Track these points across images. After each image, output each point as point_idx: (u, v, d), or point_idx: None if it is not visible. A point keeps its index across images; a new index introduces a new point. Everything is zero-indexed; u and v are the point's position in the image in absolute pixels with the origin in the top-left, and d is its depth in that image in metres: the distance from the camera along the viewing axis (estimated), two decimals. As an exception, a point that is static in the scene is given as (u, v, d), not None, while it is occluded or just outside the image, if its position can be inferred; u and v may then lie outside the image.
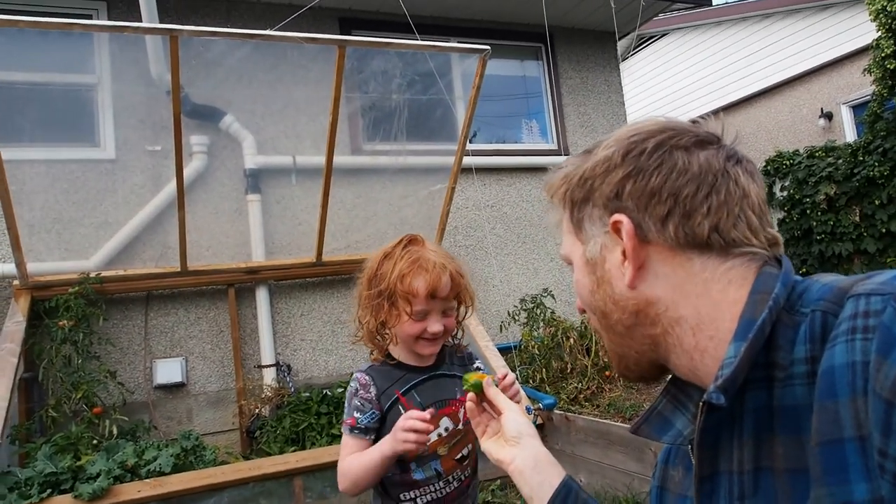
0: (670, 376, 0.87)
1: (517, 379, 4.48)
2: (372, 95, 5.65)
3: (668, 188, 0.75)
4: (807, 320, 0.69)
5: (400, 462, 1.60)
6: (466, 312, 1.74)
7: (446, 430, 1.65)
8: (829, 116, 10.14)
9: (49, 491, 3.18)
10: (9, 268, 4.28)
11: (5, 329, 4.06)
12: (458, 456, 1.68)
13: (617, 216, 0.78)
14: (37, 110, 4.73)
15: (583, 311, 0.91)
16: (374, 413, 1.62)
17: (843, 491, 0.60)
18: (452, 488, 1.67)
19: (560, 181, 0.87)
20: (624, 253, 0.78)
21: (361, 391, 1.63)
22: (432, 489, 1.64)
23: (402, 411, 1.61)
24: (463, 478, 1.69)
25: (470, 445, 1.71)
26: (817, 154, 7.29)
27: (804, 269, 6.99)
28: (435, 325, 1.60)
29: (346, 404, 1.66)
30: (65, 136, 4.88)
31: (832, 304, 0.68)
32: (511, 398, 1.43)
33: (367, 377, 1.65)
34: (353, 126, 5.64)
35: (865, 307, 0.63)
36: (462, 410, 1.67)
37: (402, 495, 1.64)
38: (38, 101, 4.75)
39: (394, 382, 1.65)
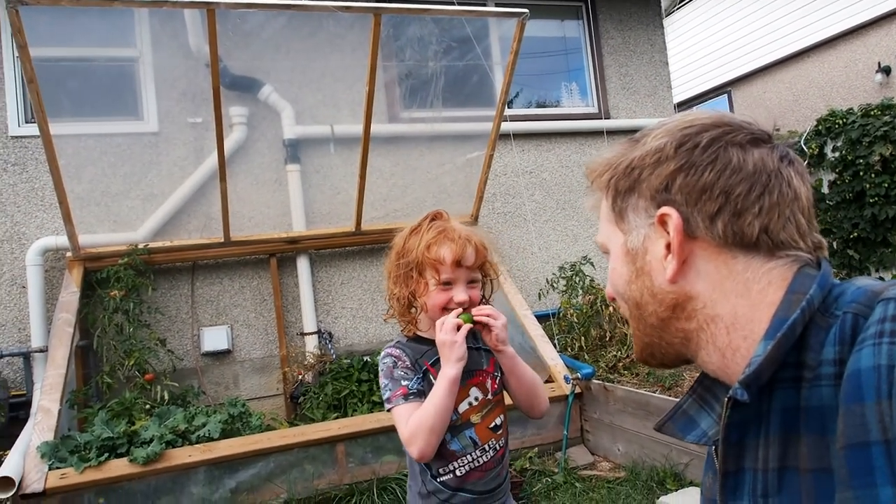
0: (698, 375, 0.88)
1: (556, 348, 4.49)
2: (409, 63, 5.59)
3: (721, 185, 0.74)
4: (838, 322, 0.69)
5: None
6: (493, 289, 1.78)
7: (476, 399, 1.70)
8: (886, 71, 9.63)
9: (106, 454, 3.35)
10: (62, 240, 4.44)
11: (61, 300, 4.24)
12: (491, 425, 1.72)
13: (665, 209, 0.77)
14: (82, 85, 4.83)
15: (613, 300, 0.90)
16: (417, 377, 1.67)
17: (869, 494, 0.60)
18: (489, 457, 1.70)
19: (603, 167, 0.85)
20: (668, 246, 0.77)
21: (399, 363, 1.67)
22: (469, 458, 1.68)
23: (434, 382, 1.65)
24: (497, 447, 1.72)
25: (502, 416, 1.75)
26: (873, 112, 6.95)
27: (855, 233, 6.75)
28: (460, 295, 1.65)
29: (385, 381, 1.67)
30: (109, 110, 4.98)
31: (863, 307, 0.68)
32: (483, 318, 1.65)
33: (397, 350, 1.70)
34: (390, 94, 5.61)
35: (894, 311, 0.63)
36: (489, 380, 1.74)
37: (440, 469, 1.67)
38: (82, 76, 4.85)
39: (422, 355, 1.70)
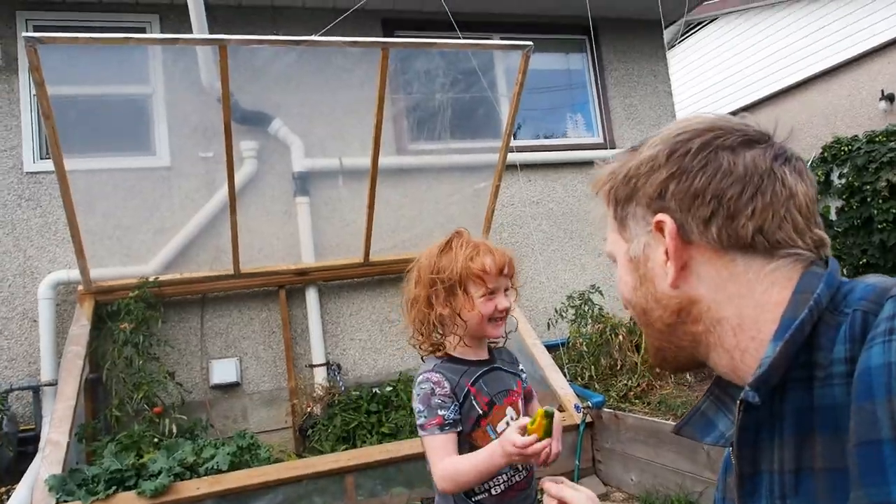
0: (715, 377, 0.88)
1: (566, 377, 4.46)
2: (416, 95, 5.68)
3: (712, 190, 0.75)
4: (847, 320, 0.69)
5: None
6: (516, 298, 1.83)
7: (512, 418, 1.72)
8: (890, 98, 9.68)
9: (114, 488, 3.33)
10: (74, 274, 4.48)
11: (71, 333, 4.26)
12: None
13: (660, 216, 0.78)
14: (96, 121, 4.94)
15: (626, 307, 0.92)
16: (455, 405, 1.66)
17: (881, 492, 0.59)
18: (521, 477, 1.72)
19: (605, 177, 0.87)
20: (667, 252, 0.78)
21: (438, 389, 1.65)
22: (504, 478, 1.68)
23: (475, 403, 1.67)
24: (528, 468, 1.74)
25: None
26: (878, 139, 6.99)
27: (864, 260, 6.72)
28: (503, 302, 1.71)
29: (421, 407, 1.65)
30: (122, 146, 5.08)
31: (873, 304, 0.68)
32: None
33: (437, 375, 1.67)
34: (397, 127, 5.69)
35: None
36: (518, 401, 1.77)
37: (476, 489, 1.67)
38: (97, 113, 4.96)
39: (461, 376, 1.70)
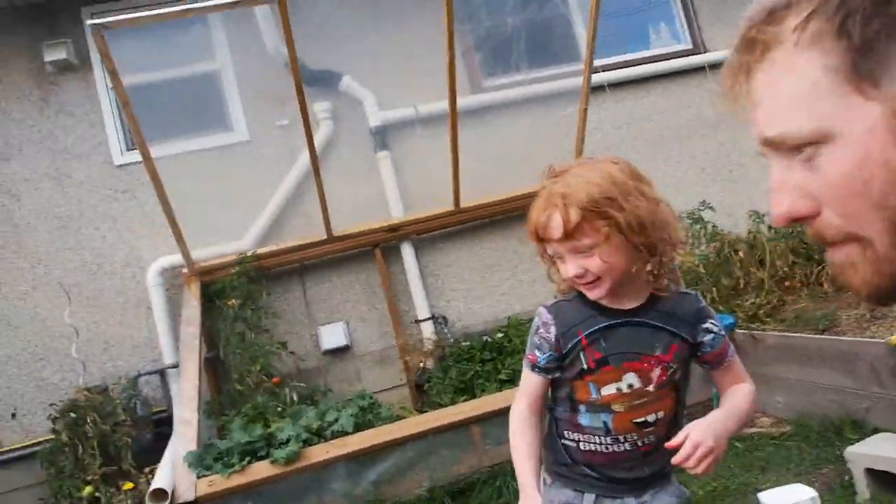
0: None
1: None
2: (485, 24, 5.36)
3: None
4: None
5: (570, 401, 1.52)
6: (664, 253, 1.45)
7: (629, 386, 1.46)
8: None
9: (248, 458, 3.39)
10: (177, 258, 4.55)
11: (184, 314, 4.35)
12: (640, 420, 1.48)
13: None
14: (172, 105, 4.96)
15: (793, 221, 0.64)
16: (552, 354, 1.50)
17: None
18: (624, 449, 1.50)
19: (793, 10, 0.59)
20: None
21: (542, 329, 1.52)
22: (597, 441, 1.50)
23: (582, 356, 1.46)
24: (641, 443, 1.50)
25: (661, 413, 1.49)
26: None
27: None
28: (569, 269, 1.40)
29: (529, 336, 1.59)
30: (200, 125, 5.09)
31: None
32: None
33: (548, 315, 1.53)
34: (469, 63, 5.41)
35: None
36: (659, 370, 1.46)
37: (565, 432, 1.56)
38: (171, 96, 4.97)
39: (580, 322, 1.48)
